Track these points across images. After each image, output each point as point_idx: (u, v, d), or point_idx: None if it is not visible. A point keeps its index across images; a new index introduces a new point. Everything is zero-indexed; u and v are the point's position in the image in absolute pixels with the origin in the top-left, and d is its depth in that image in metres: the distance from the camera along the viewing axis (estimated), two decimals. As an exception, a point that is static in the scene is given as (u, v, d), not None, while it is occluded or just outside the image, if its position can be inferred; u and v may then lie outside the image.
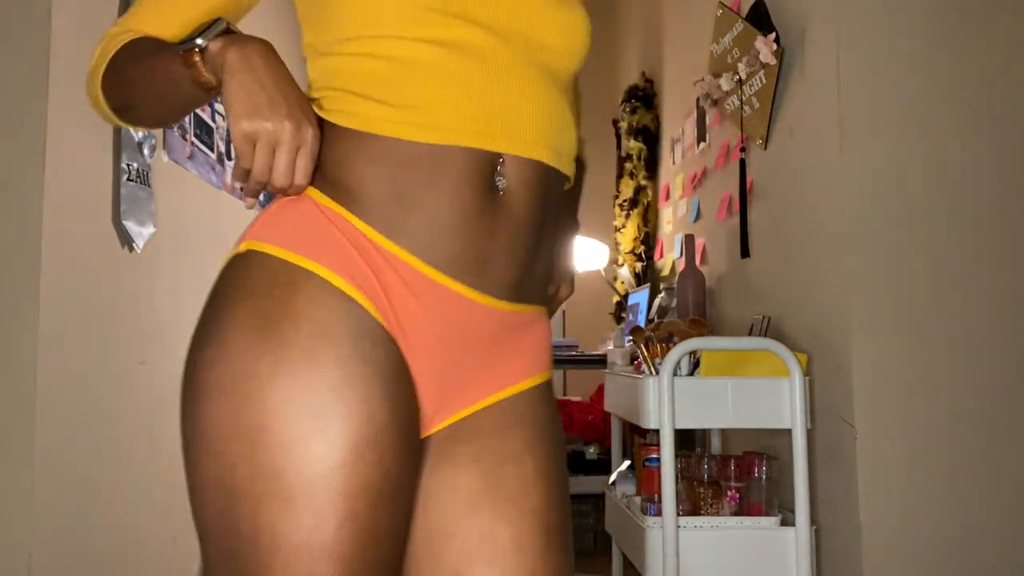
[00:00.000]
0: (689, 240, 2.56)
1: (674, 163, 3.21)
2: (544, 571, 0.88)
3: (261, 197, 0.86)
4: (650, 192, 3.52)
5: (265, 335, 0.78)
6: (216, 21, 0.85)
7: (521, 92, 0.87)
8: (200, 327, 0.86)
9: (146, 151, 2.04)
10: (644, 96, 3.57)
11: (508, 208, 0.86)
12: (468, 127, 0.84)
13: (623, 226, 3.68)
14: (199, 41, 0.82)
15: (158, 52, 0.86)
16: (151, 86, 0.87)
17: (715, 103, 2.50)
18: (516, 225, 0.87)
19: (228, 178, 2.81)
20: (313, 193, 0.85)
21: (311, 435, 0.76)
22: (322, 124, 0.85)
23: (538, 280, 0.94)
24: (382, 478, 0.78)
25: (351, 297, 0.81)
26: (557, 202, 0.93)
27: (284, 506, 0.75)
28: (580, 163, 1.08)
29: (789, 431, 1.83)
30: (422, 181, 0.83)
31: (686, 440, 2.62)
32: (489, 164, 0.85)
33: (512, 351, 0.92)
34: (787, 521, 1.84)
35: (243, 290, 0.82)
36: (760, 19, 2.20)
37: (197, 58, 0.81)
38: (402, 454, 0.81)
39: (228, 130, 2.81)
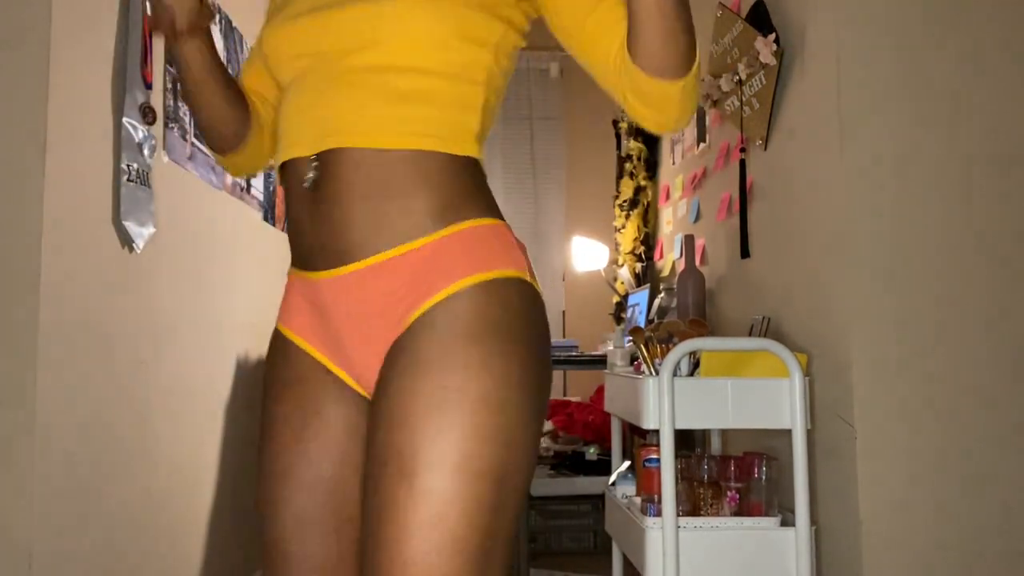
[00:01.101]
0: (689, 240, 2.56)
1: (674, 164, 3.22)
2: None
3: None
4: (650, 193, 3.52)
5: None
6: None
7: (316, 103, 1.03)
8: None
9: (146, 151, 2.04)
10: (644, 97, 3.57)
11: (319, 199, 1.02)
12: (283, 146, 1.06)
13: (623, 226, 3.68)
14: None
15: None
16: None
17: (715, 104, 2.50)
18: (330, 209, 1.01)
19: (228, 179, 2.81)
20: None
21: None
22: None
23: (388, 227, 1.00)
24: (280, 422, 1.09)
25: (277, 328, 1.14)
26: (383, 168, 1.01)
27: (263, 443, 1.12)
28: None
29: (789, 431, 1.83)
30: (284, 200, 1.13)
31: (686, 440, 2.62)
32: (297, 170, 1.04)
33: (384, 305, 1.01)
34: (787, 521, 1.84)
35: None
36: (760, 20, 2.20)
37: None
38: (295, 414, 1.07)
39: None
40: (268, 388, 1.11)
